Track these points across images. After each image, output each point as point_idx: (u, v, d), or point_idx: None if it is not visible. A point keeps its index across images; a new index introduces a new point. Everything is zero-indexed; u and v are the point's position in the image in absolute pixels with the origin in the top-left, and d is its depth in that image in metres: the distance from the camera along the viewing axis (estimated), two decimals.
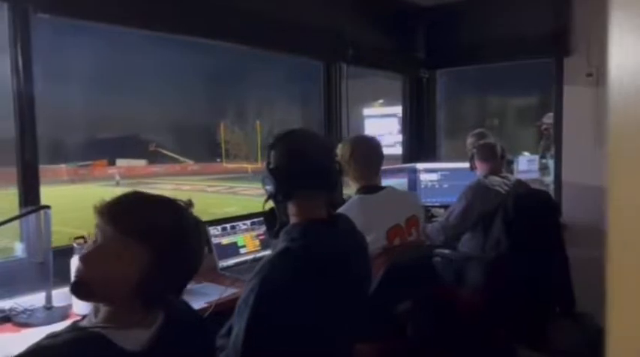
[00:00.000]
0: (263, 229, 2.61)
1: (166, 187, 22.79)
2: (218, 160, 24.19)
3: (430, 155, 4.00)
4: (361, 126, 4.20)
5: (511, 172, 3.94)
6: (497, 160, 3.03)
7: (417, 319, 2.43)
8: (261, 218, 2.63)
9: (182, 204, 1.16)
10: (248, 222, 2.55)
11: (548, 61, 3.50)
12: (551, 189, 3.66)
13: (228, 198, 16.79)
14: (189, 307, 1.31)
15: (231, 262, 2.41)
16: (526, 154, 6.54)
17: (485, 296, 2.77)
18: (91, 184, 22.36)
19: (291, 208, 1.51)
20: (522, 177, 4.85)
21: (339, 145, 2.29)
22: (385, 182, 3.48)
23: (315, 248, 1.43)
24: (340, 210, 2.11)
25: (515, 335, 3.05)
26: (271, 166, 1.50)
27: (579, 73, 3.31)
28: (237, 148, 24.92)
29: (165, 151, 25.93)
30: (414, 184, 3.65)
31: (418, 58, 3.88)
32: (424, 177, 3.67)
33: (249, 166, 24.77)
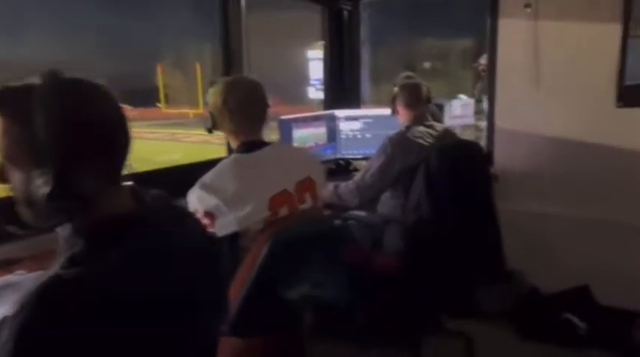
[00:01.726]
0: None
1: None
2: (158, 105, 22.98)
3: (354, 101, 3.51)
4: (306, 69, 3.81)
5: (438, 119, 3.53)
6: (421, 105, 2.57)
7: (323, 297, 2.02)
8: None
9: None
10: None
11: None
12: (485, 135, 3.27)
13: (170, 145, 15.94)
14: None
15: None
16: (462, 97, 6.13)
17: (405, 262, 2.39)
18: None
19: None
20: (456, 123, 4.47)
21: (210, 90, 1.76)
22: (299, 133, 3.00)
23: (103, 278, 0.82)
24: (209, 175, 1.62)
25: (441, 303, 2.71)
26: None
27: (516, 5, 2.85)
28: (177, 92, 23.74)
29: None
30: (333, 133, 3.17)
31: None
32: (344, 126, 3.19)
33: (190, 111, 23.71)
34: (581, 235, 2.87)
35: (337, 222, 2.59)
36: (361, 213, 2.55)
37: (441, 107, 3.62)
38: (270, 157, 1.70)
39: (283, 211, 1.65)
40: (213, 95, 1.74)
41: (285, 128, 2.86)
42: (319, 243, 1.77)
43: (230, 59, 2.67)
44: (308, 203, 1.74)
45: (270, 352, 1.73)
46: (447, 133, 2.55)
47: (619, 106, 2.73)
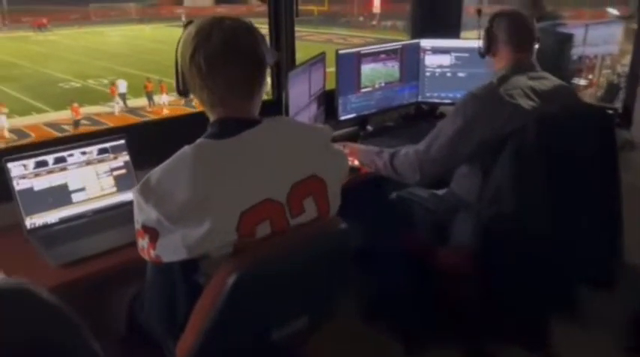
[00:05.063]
0: (123, 157, 1.62)
1: None
2: None
3: (451, 28, 2.67)
4: None
5: (563, 54, 2.62)
6: (532, 45, 1.78)
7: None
8: (121, 141, 1.63)
9: None
10: (94, 148, 1.57)
11: None
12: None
13: None
14: None
15: (52, 217, 1.49)
16: (611, 11, 4.84)
17: (476, 262, 1.76)
18: (159, 24, 21.63)
19: None
20: (595, 51, 3.42)
21: (185, 34, 1.17)
22: (366, 68, 2.28)
23: None
24: (159, 169, 1.09)
25: (521, 307, 2.07)
26: None
27: None
28: None
29: None
30: (413, 70, 2.43)
31: None
32: (431, 60, 2.43)
33: (315, 9, 22.82)
34: None
35: (394, 195, 2.00)
36: (424, 193, 1.90)
37: (569, 38, 2.66)
38: (253, 146, 1.11)
39: (261, 231, 1.09)
40: (183, 45, 1.15)
41: (345, 64, 2.19)
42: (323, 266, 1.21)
43: None
44: (309, 214, 1.16)
45: None
46: (562, 91, 1.74)
47: None
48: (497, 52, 1.80)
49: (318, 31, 20.22)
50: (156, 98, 13.16)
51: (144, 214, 1.05)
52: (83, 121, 12.10)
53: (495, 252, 1.69)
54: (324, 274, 1.21)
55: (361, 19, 23.59)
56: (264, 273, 1.08)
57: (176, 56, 1.17)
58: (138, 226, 1.08)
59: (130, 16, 20.76)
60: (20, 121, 12.21)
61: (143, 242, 1.08)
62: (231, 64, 1.11)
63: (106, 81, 14.67)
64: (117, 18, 20.14)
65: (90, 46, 18.97)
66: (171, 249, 1.05)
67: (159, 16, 21.26)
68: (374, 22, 22.70)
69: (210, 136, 1.13)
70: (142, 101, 13.26)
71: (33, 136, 11.35)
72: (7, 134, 11.59)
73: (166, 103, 12.94)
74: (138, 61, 16.89)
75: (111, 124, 11.89)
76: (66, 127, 11.83)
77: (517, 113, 1.63)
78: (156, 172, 1.08)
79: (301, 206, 1.15)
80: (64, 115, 12.29)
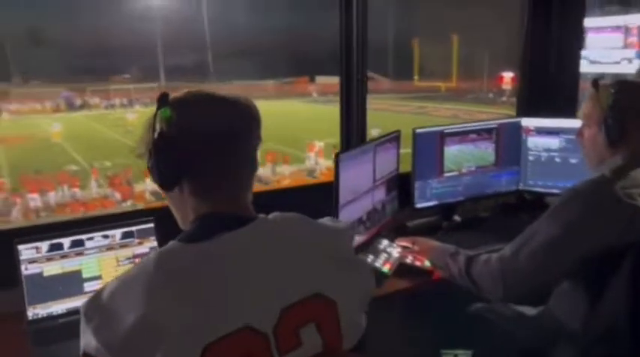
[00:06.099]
0: (150, 243, 1.43)
1: None
2: (415, 77, 22.50)
3: (566, 105, 2.23)
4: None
5: None
6: None
7: None
8: (149, 224, 1.44)
9: None
10: (117, 232, 1.39)
11: None
12: None
13: (416, 118, 15.35)
14: None
15: (58, 307, 1.31)
16: None
17: None
18: (293, 101, 22.89)
19: None
20: None
21: (158, 112, 0.91)
22: (449, 151, 1.92)
23: None
24: (114, 281, 0.85)
25: None
26: None
27: None
28: (433, 64, 22.78)
29: None
30: (513, 154, 2.03)
31: None
32: (535, 142, 2.01)
33: (442, 85, 22.65)
34: None
35: (473, 309, 1.58)
36: (509, 311, 1.46)
37: None
38: (234, 253, 0.83)
39: None
40: (156, 125, 0.89)
41: (424, 145, 1.87)
42: None
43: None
44: (310, 348, 0.83)
45: None
46: None
47: None
48: (607, 142, 1.38)
49: (444, 106, 19.95)
50: (278, 168, 13.56)
51: (85, 337, 0.81)
52: None
53: None
54: None
55: (491, 95, 22.98)
56: None
57: (150, 139, 0.86)
58: (80, 349, 0.83)
59: (268, 92, 22.30)
60: None
61: None
62: (221, 146, 0.87)
63: None
64: (256, 94, 21.77)
65: None
66: None
67: (293, 92, 22.50)
68: (504, 99, 21.90)
69: (183, 238, 0.87)
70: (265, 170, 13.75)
71: None
72: (147, 196, 12.57)
73: (287, 174, 13.28)
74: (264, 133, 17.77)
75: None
76: None
77: (637, 218, 1.18)
78: (112, 283, 0.83)
79: (296, 338, 0.82)
80: None
